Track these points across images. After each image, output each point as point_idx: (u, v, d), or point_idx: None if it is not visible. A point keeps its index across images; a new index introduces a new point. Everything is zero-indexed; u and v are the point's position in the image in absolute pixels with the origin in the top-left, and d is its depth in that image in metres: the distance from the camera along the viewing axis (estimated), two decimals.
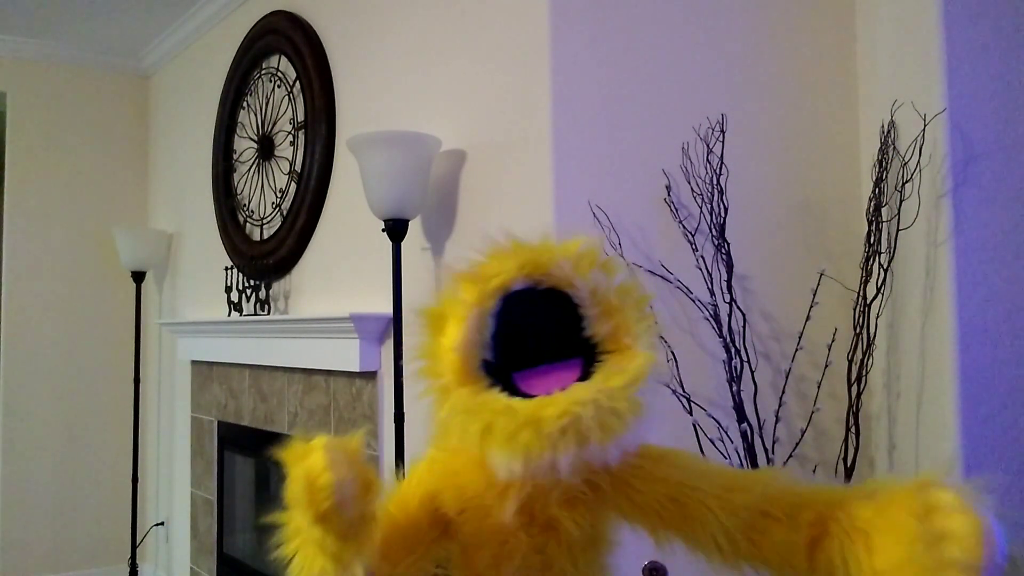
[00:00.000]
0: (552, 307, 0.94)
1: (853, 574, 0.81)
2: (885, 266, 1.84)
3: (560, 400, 0.85)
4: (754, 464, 1.68)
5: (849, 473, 1.75)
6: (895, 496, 0.80)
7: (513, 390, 0.91)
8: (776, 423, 1.77)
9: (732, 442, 1.72)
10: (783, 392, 1.80)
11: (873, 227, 1.82)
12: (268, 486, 2.98)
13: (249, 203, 3.03)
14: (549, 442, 0.84)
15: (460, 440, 0.91)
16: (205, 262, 3.39)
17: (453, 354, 0.92)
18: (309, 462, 0.88)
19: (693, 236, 1.78)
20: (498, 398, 0.89)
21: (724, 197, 1.77)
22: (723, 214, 1.76)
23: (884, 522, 0.79)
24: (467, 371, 0.92)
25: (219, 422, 3.19)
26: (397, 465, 1.96)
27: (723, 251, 1.75)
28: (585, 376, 0.91)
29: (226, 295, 2.97)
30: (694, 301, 1.76)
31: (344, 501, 0.86)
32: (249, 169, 3.03)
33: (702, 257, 1.76)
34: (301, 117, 2.67)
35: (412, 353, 0.98)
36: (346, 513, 0.87)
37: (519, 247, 0.95)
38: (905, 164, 1.82)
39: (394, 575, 0.99)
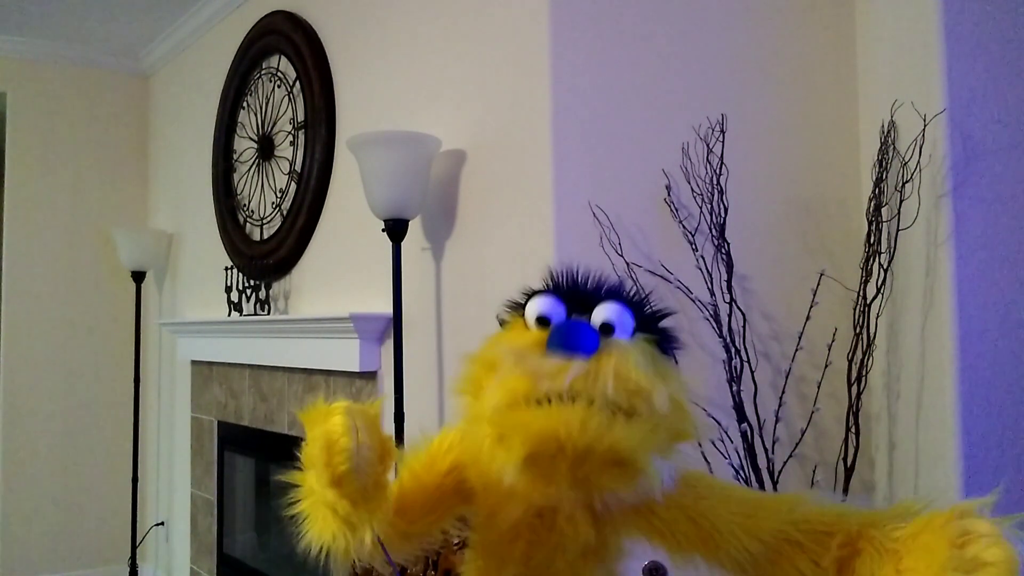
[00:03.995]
0: None
1: None
2: (885, 266, 1.84)
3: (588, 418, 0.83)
4: (754, 464, 1.68)
5: (849, 473, 1.75)
6: (931, 520, 0.80)
7: None
8: (776, 423, 1.77)
9: (732, 442, 1.72)
10: (783, 392, 1.80)
11: (873, 227, 1.82)
12: (268, 486, 2.98)
13: (249, 203, 3.03)
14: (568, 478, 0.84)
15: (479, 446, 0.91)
16: (205, 262, 3.39)
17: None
18: (329, 425, 0.89)
19: (693, 236, 1.78)
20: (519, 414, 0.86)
21: (724, 197, 1.77)
22: (723, 214, 1.76)
23: (917, 545, 0.79)
24: None
25: (219, 422, 3.18)
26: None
27: (723, 251, 1.75)
28: None
29: (226, 295, 2.97)
30: (694, 301, 1.76)
31: (360, 466, 0.88)
32: (249, 169, 3.03)
33: (702, 257, 1.76)
34: (301, 117, 2.67)
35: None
36: (361, 478, 0.88)
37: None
38: (905, 164, 1.82)
39: (410, 532, 1.00)
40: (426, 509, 1.01)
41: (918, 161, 1.79)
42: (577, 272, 0.99)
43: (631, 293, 0.99)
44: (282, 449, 2.69)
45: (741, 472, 1.67)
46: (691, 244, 1.77)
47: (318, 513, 0.93)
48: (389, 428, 2.12)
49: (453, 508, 1.03)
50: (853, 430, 1.75)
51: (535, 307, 0.95)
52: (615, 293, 0.97)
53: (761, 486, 1.67)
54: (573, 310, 0.95)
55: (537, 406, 0.84)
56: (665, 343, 0.97)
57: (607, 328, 0.92)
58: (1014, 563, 0.73)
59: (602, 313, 0.93)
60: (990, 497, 0.80)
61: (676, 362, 1.00)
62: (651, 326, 0.96)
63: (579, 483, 0.85)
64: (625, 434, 0.83)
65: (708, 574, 0.94)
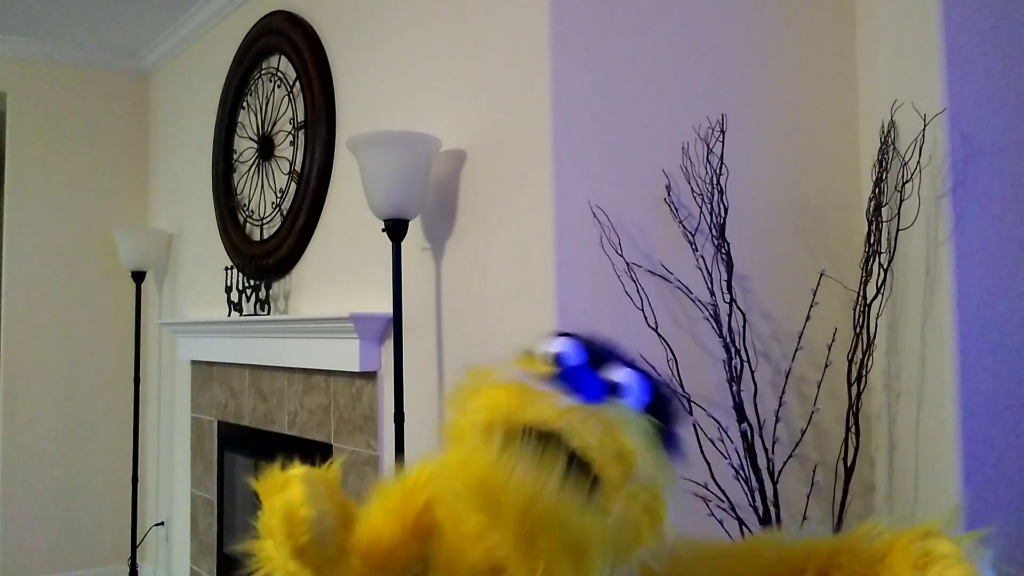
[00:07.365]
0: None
1: None
2: (885, 266, 1.84)
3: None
4: (754, 464, 1.68)
5: (849, 473, 1.75)
6: (896, 544, 0.81)
7: None
8: (776, 423, 1.77)
9: (732, 442, 1.72)
10: (783, 392, 1.80)
11: (873, 227, 1.82)
12: None
13: (249, 203, 3.02)
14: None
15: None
16: (205, 262, 3.39)
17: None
18: (288, 494, 0.86)
19: (693, 236, 1.78)
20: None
21: (724, 197, 1.77)
22: (723, 214, 1.76)
23: (884, 568, 0.80)
24: None
25: (219, 422, 3.19)
26: (397, 465, 1.96)
27: (723, 251, 1.75)
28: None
29: (226, 295, 2.97)
30: (694, 301, 1.76)
31: (322, 535, 0.85)
32: (249, 169, 3.03)
33: (702, 257, 1.76)
34: (301, 117, 2.67)
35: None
36: (324, 547, 0.85)
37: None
38: (905, 164, 1.82)
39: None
40: (399, 550, 0.95)
41: (918, 161, 1.79)
42: (600, 339, 0.92)
43: (651, 375, 0.91)
44: (282, 449, 2.69)
45: (741, 472, 1.67)
46: (691, 244, 1.77)
47: None
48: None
49: (423, 550, 0.96)
50: (853, 430, 1.75)
51: (553, 344, 0.88)
52: (634, 365, 0.89)
53: (761, 486, 1.67)
54: (591, 362, 0.87)
55: (509, 442, 0.76)
56: (668, 441, 0.88)
57: (616, 389, 0.85)
58: None
59: (617, 373, 0.85)
60: (953, 515, 0.80)
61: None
62: (661, 414, 0.88)
63: (524, 549, 0.76)
64: (584, 518, 0.74)
65: None
